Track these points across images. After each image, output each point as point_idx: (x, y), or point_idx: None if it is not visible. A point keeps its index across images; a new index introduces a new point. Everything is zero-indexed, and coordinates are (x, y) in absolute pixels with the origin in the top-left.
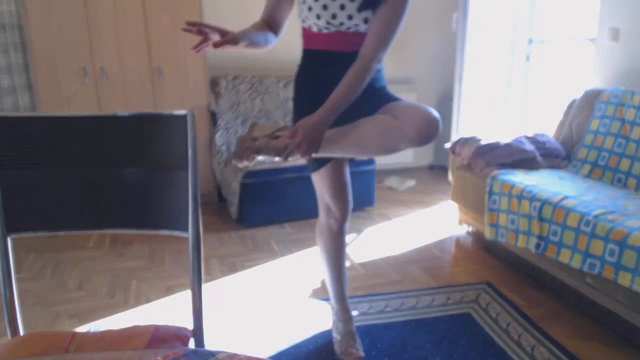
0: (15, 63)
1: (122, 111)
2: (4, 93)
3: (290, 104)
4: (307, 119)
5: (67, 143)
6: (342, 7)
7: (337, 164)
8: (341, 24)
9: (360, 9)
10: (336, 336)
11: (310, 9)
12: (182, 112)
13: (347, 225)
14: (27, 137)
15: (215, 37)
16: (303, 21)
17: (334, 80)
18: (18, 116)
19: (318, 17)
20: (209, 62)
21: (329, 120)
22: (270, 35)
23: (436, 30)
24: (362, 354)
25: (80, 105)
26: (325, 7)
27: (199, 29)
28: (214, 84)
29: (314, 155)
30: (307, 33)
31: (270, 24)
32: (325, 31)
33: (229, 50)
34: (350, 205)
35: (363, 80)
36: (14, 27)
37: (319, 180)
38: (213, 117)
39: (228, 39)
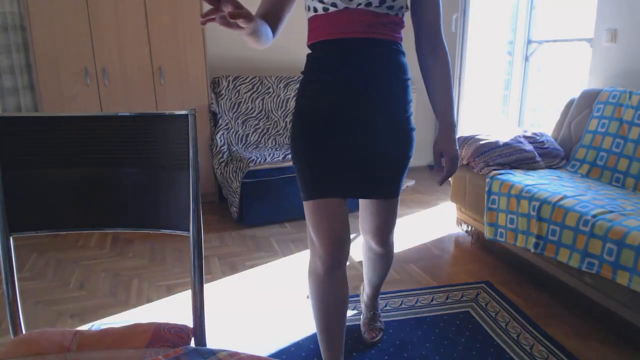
0: (17, 64)
1: (124, 111)
2: (7, 93)
3: (291, 104)
4: (449, 147)
5: (68, 143)
6: None
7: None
8: None
9: None
10: None
11: None
12: (183, 112)
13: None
14: (29, 137)
15: (228, 9)
16: (308, 8)
17: (338, 90)
18: (20, 116)
19: None
20: (210, 63)
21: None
22: (270, 32)
23: None
24: None
25: (82, 105)
26: None
27: None
28: (214, 84)
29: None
30: (312, 24)
31: (268, 20)
32: (332, 9)
33: (236, 32)
34: (343, 247)
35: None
36: (17, 28)
37: (306, 210)
38: (214, 117)
39: (243, 12)
